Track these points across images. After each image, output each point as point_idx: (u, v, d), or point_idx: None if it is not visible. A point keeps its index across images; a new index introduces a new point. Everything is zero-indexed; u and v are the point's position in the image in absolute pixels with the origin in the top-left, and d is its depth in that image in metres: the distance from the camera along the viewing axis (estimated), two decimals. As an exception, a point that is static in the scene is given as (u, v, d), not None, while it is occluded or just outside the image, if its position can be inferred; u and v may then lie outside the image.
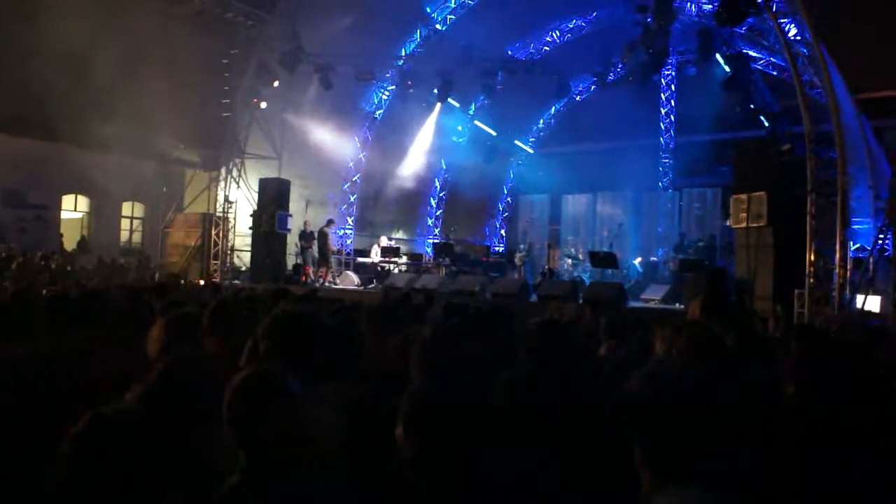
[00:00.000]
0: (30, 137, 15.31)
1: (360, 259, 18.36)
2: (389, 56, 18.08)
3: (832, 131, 10.01)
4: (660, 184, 19.68)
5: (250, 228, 16.91)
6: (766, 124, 14.09)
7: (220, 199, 17.56)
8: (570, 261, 18.50)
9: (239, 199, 17.78)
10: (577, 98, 20.89)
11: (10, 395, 2.41)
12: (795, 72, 10.71)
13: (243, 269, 17.81)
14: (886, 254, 10.08)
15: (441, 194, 22.67)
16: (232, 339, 3.03)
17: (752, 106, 14.20)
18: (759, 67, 14.93)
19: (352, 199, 20.34)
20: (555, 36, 19.46)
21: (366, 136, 20.05)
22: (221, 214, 17.45)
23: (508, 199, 23.46)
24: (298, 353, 2.44)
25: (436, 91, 17.53)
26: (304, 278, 16.31)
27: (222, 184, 17.62)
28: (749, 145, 13.10)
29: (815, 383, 2.47)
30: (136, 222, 19.33)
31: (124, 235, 19.04)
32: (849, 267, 9.96)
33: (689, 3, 15.07)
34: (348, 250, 19.58)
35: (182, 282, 13.40)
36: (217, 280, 15.84)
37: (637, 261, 17.39)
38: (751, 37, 14.01)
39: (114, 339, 3.19)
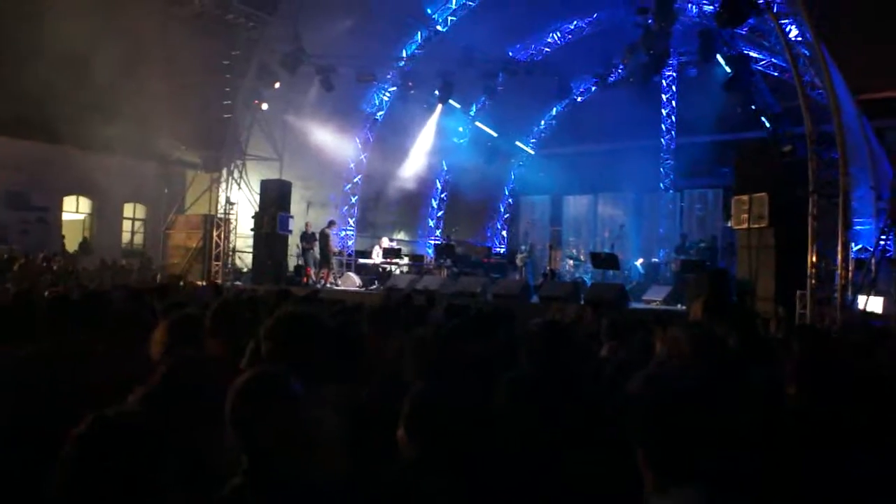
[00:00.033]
0: (31, 139, 15.35)
1: (362, 260, 18.35)
2: (390, 57, 18.10)
3: (833, 132, 10.00)
4: (661, 185, 19.66)
5: (252, 230, 16.92)
6: (768, 125, 14.05)
7: (222, 200, 17.57)
8: (571, 262, 18.50)
9: (240, 201, 17.79)
10: (578, 99, 20.88)
11: (12, 396, 2.41)
12: (796, 72, 10.71)
13: (245, 270, 17.82)
14: (888, 255, 10.06)
15: (442, 195, 22.67)
16: (234, 341, 3.04)
17: (753, 107, 14.15)
18: (760, 68, 14.89)
19: (353, 200, 20.36)
20: (555, 37, 19.47)
21: (367, 137, 20.06)
22: (223, 216, 17.47)
23: (509, 200, 23.46)
24: (300, 354, 2.43)
25: (437, 92, 17.56)
26: (305, 279, 16.30)
27: (223, 185, 17.64)
28: (750, 146, 13.12)
29: (816, 384, 2.46)
30: (137, 224, 19.34)
31: (126, 237, 19.06)
32: (851, 268, 9.93)
33: (689, 4, 15.05)
34: (350, 251, 19.56)
35: (181, 283, 13.39)
36: (218, 281, 15.83)
37: (638, 262, 17.37)
38: (752, 38, 13.98)
39: (115, 341, 3.18)
